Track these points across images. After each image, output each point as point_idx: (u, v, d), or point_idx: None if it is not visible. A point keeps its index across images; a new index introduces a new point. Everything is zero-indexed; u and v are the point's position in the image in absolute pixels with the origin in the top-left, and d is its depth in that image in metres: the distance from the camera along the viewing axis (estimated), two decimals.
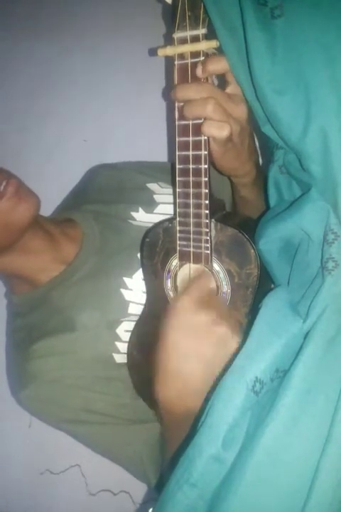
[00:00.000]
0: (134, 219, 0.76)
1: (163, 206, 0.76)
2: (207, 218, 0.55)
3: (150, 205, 0.77)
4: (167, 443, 0.65)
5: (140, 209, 0.76)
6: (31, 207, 0.67)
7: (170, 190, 0.78)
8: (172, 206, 0.75)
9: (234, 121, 0.52)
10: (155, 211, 0.76)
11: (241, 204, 0.71)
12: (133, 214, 0.77)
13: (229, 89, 0.53)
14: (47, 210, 0.87)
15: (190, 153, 0.54)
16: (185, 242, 0.58)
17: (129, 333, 0.70)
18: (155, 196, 0.78)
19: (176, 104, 0.53)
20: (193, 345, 0.52)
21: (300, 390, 0.39)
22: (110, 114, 1.11)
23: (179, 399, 0.54)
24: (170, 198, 0.76)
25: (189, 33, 0.50)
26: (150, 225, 0.66)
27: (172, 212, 0.74)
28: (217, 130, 0.51)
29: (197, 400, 0.53)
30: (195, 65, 0.51)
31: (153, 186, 0.80)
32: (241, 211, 0.72)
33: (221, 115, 0.50)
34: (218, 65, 0.50)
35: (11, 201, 0.64)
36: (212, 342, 0.52)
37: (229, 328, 0.52)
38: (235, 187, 0.67)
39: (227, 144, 0.53)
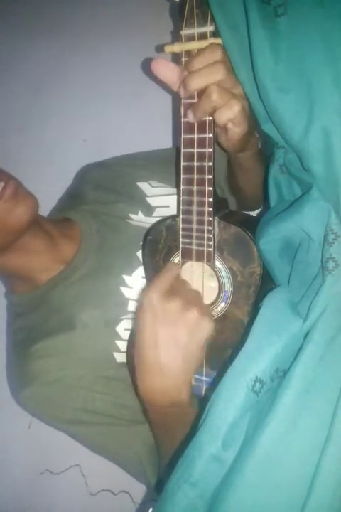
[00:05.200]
0: (132, 219, 0.76)
1: (160, 209, 0.76)
2: (210, 216, 0.55)
3: (147, 209, 0.76)
4: (157, 440, 0.65)
5: (139, 212, 0.76)
6: (29, 209, 0.66)
7: (162, 190, 0.78)
8: (167, 210, 0.75)
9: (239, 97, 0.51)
10: (153, 215, 0.76)
11: (241, 174, 0.70)
12: (132, 215, 0.77)
13: None
14: (47, 209, 0.87)
15: (195, 150, 0.54)
16: (187, 240, 0.58)
17: (129, 332, 0.69)
18: (147, 199, 0.77)
19: (182, 102, 0.53)
20: (166, 333, 0.53)
21: (300, 390, 0.39)
22: (110, 114, 1.11)
23: (161, 390, 0.54)
24: (164, 199, 0.76)
25: (196, 30, 0.50)
26: (149, 224, 0.66)
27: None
28: (228, 111, 0.50)
29: (180, 390, 0.54)
30: None
31: (143, 185, 0.79)
32: (240, 183, 0.72)
33: (229, 87, 0.50)
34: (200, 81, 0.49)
35: (9, 203, 0.64)
36: (184, 327, 0.53)
37: (199, 312, 0.53)
38: (235, 160, 0.67)
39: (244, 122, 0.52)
